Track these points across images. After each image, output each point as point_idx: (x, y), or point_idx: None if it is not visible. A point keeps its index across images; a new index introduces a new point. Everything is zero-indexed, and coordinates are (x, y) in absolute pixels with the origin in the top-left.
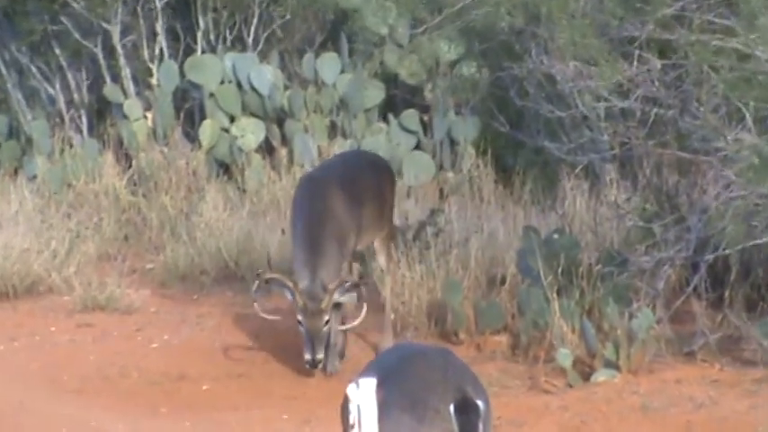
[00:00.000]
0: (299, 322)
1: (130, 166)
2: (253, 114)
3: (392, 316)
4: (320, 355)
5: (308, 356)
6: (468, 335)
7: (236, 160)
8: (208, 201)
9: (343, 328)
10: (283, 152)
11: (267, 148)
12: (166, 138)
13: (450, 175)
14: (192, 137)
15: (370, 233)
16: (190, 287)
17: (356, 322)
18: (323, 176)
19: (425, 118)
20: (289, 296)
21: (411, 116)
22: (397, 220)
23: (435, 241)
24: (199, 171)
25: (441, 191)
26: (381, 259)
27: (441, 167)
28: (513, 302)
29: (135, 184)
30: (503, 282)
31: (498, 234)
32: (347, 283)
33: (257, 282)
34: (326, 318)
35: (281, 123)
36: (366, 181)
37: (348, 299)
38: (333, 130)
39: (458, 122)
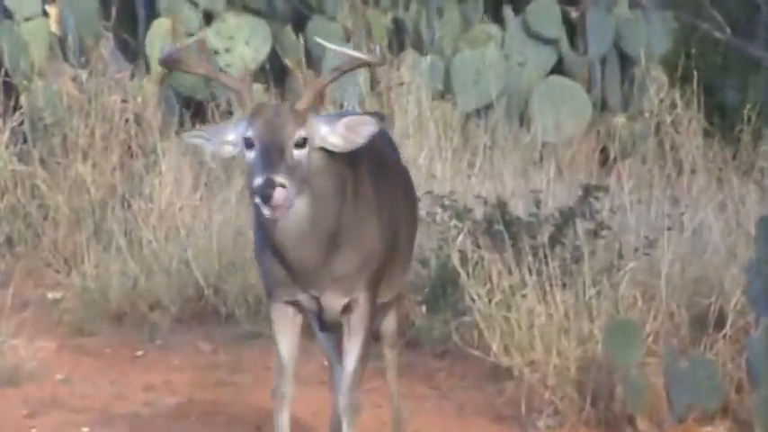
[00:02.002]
0: (246, 141)
1: (17, 107)
2: (248, 8)
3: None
4: (280, 177)
5: (258, 180)
6: (655, 423)
7: (216, 95)
8: (163, 171)
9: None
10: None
11: (275, 72)
12: (84, 53)
13: (621, 120)
14: (132, 51)
15: (394, 271)
16: (130, 334)
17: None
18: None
19: (573, 14)
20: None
21: (546, 10)
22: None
23: (592, 246)
24: (147, 115)
25: (603, 151)
26: (389, 328)
27: (603, 107)
28: (740, 362)
29: (25, 141)
30: (719, 323)
31: (710, 232)
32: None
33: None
34: (301, 133)
35: (299, 25)
36: (391, 179)
37: (358, 131)
38: (398, 37)
39: (634, 23)
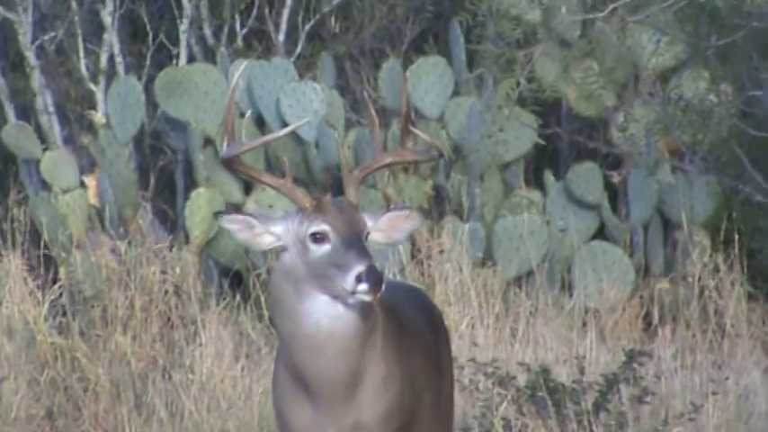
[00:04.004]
0: (314, 236)
1: (56, 280)
2: None
3: None
4: (377, 263)
5: (360, 267)
6: None
7: (256, 265)
8: (204, 342)
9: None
10: None
11: None
12: (123, 224)
13: (665, 286)
14: (171, 221)
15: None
16: None
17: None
18: None
19: (614, 178)
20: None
21: (587, 175)
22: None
23: (637, 412)
24: (187, 286)
25: (646, 316)
26: None
27: (645, 272)
28: None
29: (64, 314)
30: None
31: (755, 396)
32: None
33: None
34: (365, 225)
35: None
36: (422, 342)
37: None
38: (439, 204)
39: (676, 187)
